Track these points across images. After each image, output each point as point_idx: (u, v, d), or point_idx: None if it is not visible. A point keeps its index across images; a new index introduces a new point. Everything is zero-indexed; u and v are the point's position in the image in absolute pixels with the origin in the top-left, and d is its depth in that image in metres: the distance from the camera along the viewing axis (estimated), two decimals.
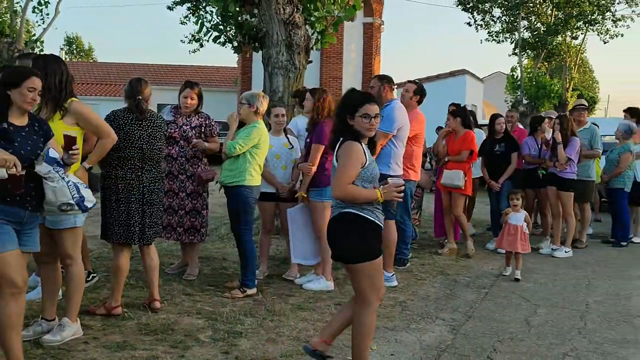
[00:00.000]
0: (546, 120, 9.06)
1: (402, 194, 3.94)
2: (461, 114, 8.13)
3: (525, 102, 28.09)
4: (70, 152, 3.86)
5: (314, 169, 6.01)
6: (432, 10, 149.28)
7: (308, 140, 6.17)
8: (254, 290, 5.74)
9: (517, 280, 6.71)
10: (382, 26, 27.18)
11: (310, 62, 8.96)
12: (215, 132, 6.38)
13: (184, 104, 6.18)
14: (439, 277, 6.85)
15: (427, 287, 6.40)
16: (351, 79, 25.93)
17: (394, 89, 6.59)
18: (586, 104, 9.84)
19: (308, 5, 8.92)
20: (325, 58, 25.38)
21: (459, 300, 6.00)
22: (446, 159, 8.10)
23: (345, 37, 25.25)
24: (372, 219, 3.78)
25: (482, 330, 5.06)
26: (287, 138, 6.56)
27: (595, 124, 9.50)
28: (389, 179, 4.02)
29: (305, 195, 6.11)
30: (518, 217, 6.83)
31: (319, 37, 9.43)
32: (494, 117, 8.90)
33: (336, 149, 3.81)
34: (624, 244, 9.06)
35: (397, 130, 6.28)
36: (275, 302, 5.53)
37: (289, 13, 8.34)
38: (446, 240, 8.26)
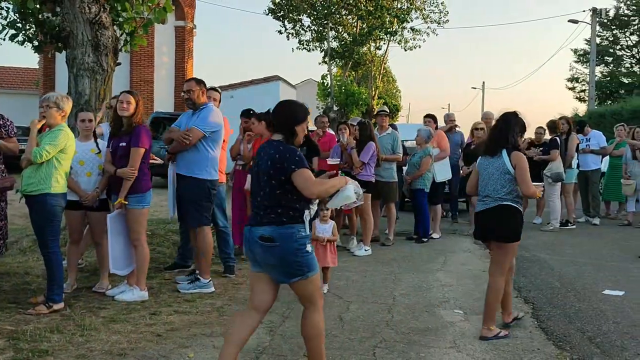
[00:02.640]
0: (341, 126, 9.24)
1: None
2: (266, 118, 8.16)
3: (335, 108, 29.34)
4: None
5: (136, 172, 5.79)
6: (245, 17, 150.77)
7: (124, 144, 5.88)
8: (61, 305, 5.41)
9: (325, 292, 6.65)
10: (194, 30, 26.96)
11: (119, 64, 8.63)
12: (13, 132, 5.94)
13: None
14: None
15: (245, 292, 6.42)
16: (163, 82, 25.42)
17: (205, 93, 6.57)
18: (387, 110, 10.47)
19: (115, 5, 8.58)
20: (135, 61, 24.62)
21: (276, 302, 6.05)
22: (252, 163, 8.07)
23: (156, 40, 24.71)
24: (521, 210, 5.12)
25: (298, 330, 5.14)
26: (96, 143, 6.24)
27: (394, 127, 10.20)
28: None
29: (126, 202, 5.83)
30: (326, 229, 6.54)
31: (128, 39, 9.11)
32: None
33: (509, 158, 5.00)
34: (425, 240, 9.79)
35: (213, 133, 6.26)
36: (85, 316, 5.25)
37: (95, 13, 7.96)
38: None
